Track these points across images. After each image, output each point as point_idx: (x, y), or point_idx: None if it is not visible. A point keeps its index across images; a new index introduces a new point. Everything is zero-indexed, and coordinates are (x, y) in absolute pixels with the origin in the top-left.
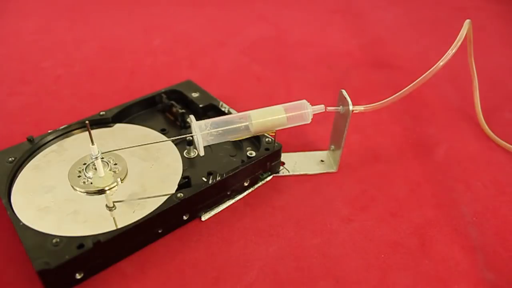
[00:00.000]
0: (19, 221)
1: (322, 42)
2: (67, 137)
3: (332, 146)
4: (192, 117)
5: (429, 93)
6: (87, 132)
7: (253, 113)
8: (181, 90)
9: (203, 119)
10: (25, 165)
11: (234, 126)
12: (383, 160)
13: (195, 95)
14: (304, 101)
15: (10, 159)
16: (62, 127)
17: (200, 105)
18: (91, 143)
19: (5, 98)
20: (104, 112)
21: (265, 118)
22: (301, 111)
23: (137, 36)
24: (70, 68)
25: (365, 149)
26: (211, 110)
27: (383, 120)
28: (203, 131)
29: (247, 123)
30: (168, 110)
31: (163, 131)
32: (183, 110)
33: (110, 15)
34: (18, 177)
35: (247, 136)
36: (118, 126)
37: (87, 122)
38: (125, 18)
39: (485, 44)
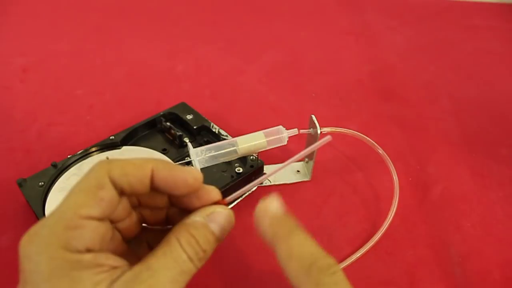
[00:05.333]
0: None
1: (335, 69)
2: (85, 159)
3: (306, 159)
4: (189, 144)
5: (432, 126)
6: (101, 154)
7: (239, 139)
8: (177, 113)
9: (197, 138)
10: (52, 188)
11: (224, 151)
12: (384, 201)
13: (189, 117)
14: (280, 126)
15: (40, 183)
16: (80, 151)
17: (194, 127)
18: None
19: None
20: (113, 137)
21: (249, 143)
22: (278, 136)
23: (161, 60)
24: (101, 96)
25: (369, 187)
26: (203, 130)
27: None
28: (199, 157)
29: (235, 148)
30: (167, 131)
31: (164, 151)
32: (180, 133)
33: (133, 36)
34: (48, 199)
35: (236, 158)
36: (125, 148)
37: (107, 157)
38: (148, 39)
39: (493, 70)
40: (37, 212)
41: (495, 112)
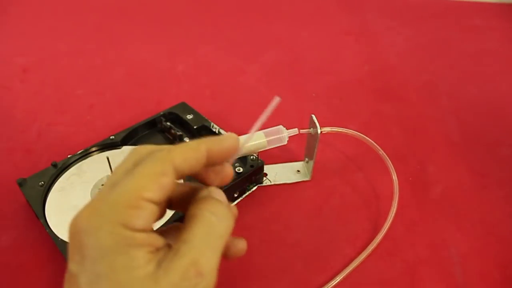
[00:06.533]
0: (58, 237)
1: (335, 68)
2: (85, 159)
3: (306, 159)
4: None
5: (432, 126)
6: (101, 154)
7: (239, 139)
8: (177, 113)
9: (197, 138)
10: (52, 188)
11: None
12: (384, 201)
13: (189, 116)
14: (281, 126)
15: (40, 183)
16: (80, 151)
17: (194, 127)
18: (110, 172)
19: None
20: (113, 137)
21: (249, 143)
22: (279, 135)
23: (161, 60)
24: (101, 96)
25: (370, 187)
26: (203, 130)
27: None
28: None
29: None
30: (167, 131)
31: None
32: (181, 133)
33: (133, 36)
34: (48, 199)
35: (236, 157)
36: (125, 148)
37: (107, 157)
38: (148, 39)
39: (493, 70)
40: (37, 212)
41: (495, 112)
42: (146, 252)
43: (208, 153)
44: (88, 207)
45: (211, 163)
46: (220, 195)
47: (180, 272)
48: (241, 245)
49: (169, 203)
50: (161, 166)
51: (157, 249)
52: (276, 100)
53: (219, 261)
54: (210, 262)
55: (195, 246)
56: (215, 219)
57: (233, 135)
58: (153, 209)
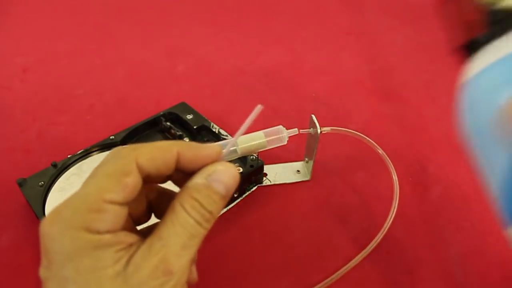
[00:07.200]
0: None
1: (335, 68)
2: (85, 159)
3: (306, 159)
4: None
5: (432, 126)
6: (101, 154)
7: (239, 139)
8: (177, 113)
9: (197, 138)
10: (52, 188)
11: (224, 150)
12: (384, 201)
13: (189, 116)
14: (280, 126)
15: (40, 183)
16: (80, 151)
17: (194, 127)
18: None
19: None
20: (113, 137)
21: (249, 143)
22: (278, 135)
23: (160, 60)
24: (101, 96)
25: (370, 187)
26: (203, 130)
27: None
28: None
29: (235, 148)
30: (167, 131)
31: None
32: (180, 133)
33: (133, 36)
34: (48, 199)
35: (236, 158)
36: None
37: None
38: (148, 39)
39: None
40: (37, 212)
41: None
42: (115, 251)
43: (180, 157)
44: (52, 212)
45: (184, 168)
46: (222, 176)
47: (150, 270)
48: (193, 275)
49: (150, 208)
50: (124, 165)
51: (130, 245)
52: (258, 108)
53: (190, 261)
54: (180, 261)
55: (168, 245)
56: (192, 221)
57: (216, 147)
58: (118, 211)
